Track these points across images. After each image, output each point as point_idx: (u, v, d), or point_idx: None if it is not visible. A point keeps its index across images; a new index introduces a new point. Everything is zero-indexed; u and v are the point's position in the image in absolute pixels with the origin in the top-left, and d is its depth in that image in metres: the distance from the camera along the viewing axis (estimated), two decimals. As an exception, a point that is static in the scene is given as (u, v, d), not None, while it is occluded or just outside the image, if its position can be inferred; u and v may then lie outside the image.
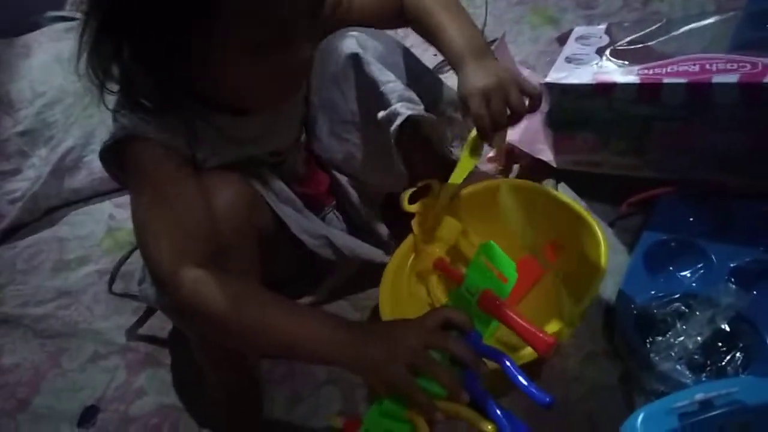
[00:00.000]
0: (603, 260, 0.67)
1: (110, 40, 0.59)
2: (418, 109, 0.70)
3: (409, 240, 0.77)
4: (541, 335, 0.54)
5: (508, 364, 0.52)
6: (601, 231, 0.70)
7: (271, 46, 0.59)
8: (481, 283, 0.59)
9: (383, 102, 0.70)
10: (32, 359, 0.91)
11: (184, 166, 0.64)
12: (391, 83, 0.71)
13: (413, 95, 0.72)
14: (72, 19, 1.41)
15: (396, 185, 0.77)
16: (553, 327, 0.64)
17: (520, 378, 0.51)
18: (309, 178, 0.80)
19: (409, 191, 0.73)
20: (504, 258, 0.59)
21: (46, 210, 1.13)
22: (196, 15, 0.56)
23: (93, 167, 1.12)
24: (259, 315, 0.57)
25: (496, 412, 0.50)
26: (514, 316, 0.56)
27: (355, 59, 0.71)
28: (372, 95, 0.71)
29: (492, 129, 0.66)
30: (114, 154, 0.65)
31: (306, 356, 0.61)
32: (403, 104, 0.70)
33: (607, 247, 0.68)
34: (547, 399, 0.49)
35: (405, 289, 0.76)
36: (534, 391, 0.50)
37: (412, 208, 0.73)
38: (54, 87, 1.17)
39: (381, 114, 0.70)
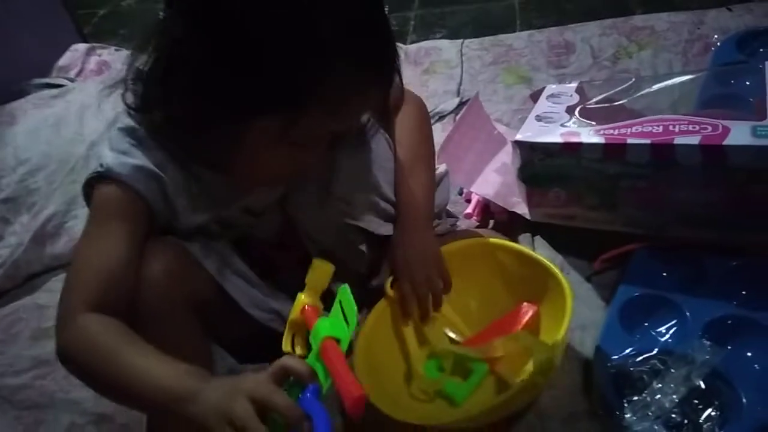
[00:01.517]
0: (568, 307, 0.69)
1: (160, 90, 0.61)
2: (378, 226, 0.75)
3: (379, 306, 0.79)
4: (351, 387, 0.53)
5: (326, 421, 0.52)
6: (565, 280, 0.72)
7: (318, 141, 0.63)
8: (327, 330, 0.57)
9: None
10: (8, 432, 0.89)
11: (142, 219, 0.66)
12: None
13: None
14: (57, 86, 1.44)
15: (360, 264, 0.79)
16: (523, 377, 0.66)
17: None
18: (282, 244, 0.79)
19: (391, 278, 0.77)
20: (351, 304, 0.58)
21: (27, 276, 1.13)
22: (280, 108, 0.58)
23: (74, 233, 1.12)
24: (113, 366, 0.59)
25: None
26: (339, 369, 0.54)
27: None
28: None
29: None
30: (91, 189, 0.68)
31: (153, 405, 0.61)
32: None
33: (572, 294, 0.70)
34: None
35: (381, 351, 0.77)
36: None
37: (392, 293, 0.76)
38: (37, 153, 1.19)
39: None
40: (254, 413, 0.52)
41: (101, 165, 0.66)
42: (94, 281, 0.63)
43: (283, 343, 0.65)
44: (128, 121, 0.67)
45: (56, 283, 1.11)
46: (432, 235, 0.79)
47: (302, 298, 0.64)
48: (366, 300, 0.79)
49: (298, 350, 0.64)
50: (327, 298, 0.66)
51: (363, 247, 0.78)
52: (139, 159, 0.66)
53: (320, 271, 0.63)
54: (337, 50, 0.56)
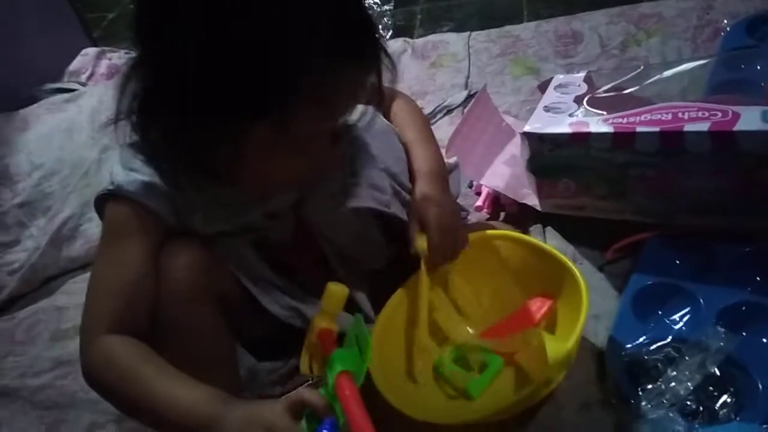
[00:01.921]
0: (584, 305, 0.69)
1: (155, 106, 0.61)
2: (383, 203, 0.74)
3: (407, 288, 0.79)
4: (363, 430, 0.52)
5: None
6: (582, 276, 0.72)
7: (317, 140, 0.63)
8: (342, 363, 0.58)
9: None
10: (30, 432, 0.91)
11: (155, 236, 0.67)
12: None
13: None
14: (69, 90, 1.45)
15: (377, 260, 0.80)
16: (540, 374, 0.66)
17: None
18: (297, 246, 0.79)
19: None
20: (365, 337, 0.58)
21: (44, 280, 1.15)
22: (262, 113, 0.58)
23: (89, 235, 1.14)
24: (138, 390, 0.61)
25: None
26: (354, 405, 0.54)
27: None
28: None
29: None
30: (102, 204, 0.69)
31: (173, 427, 0.61)
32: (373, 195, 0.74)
33: (588, 291, 0.70)
34: None
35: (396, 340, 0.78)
36: None
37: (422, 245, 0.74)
38: (51, 158, 1.20)
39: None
40: None
41: (112, 183, 0.67)
42: (113, 301, 0.65)
43: (301, 365, 0.66)
44: (119, 174, 0.68)
45: (73, 285, 1.13)
46: (449, 194, 0.79)
47: (317, 321, 0.64)
48: (383, 299, 0.80)
49: (316, 371, 0.65)
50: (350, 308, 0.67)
51: (380, 239, 0.78)
52: (148, 176, 0.67)
53: (334, 295, 0.63)
54: (313, 48, 0.56)
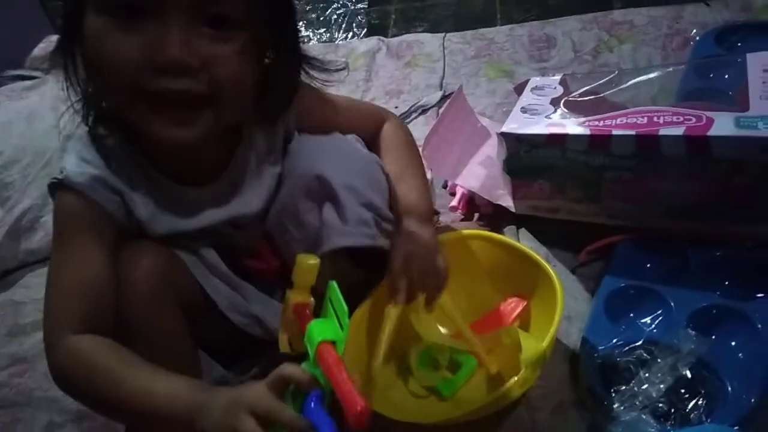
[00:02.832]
0: (559, 306, 0.69)
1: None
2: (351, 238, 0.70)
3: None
4: (352, 399, 0.50)
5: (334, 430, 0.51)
6: (557, 276, 0.72)
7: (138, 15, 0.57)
8: (322, 333, 0.55)
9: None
10: (-17, 431, 0.87)
11: (107, 227, 0.66)
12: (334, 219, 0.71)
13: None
14: (31, 77, 1.40)
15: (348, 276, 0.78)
16: (513, 374, 0.66)
17: None
18: (262, 252, 0.77)
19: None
20: (341, 305, 0.56)
21: (1, 273, 1.10)
22: None
23: (49, 228, 1.06)
24: (114, 388, 0.59)
25: None
26: (338, 375, 0.52)
27: (321, 180, 0.70)
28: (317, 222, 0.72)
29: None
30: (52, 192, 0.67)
31: (148, 418, 0.60)
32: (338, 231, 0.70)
33: (563, 291, 0.70)
34: None
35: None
36: None
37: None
38: (11, 146, 1.16)
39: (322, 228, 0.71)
40: (258, 429, 0.52)
41: (61, 171, 0.65)
42: (76, 300, 0.63)
43: (280, 343, 0.64)
44: (69, 162, 0.66)
45: (32, 279, 1.08)
46: (431, 232, 0.76)
47: (291, 296, 0.62)
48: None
49: (296, 347, 0.63)
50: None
51: (349, 270, 0.78)
52: (100, 170, 0.65)
53: (306, 267, 0.61)
54: None
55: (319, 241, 0.70)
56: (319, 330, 0.56)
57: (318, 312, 0.61)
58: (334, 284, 0.58)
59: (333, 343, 0.55)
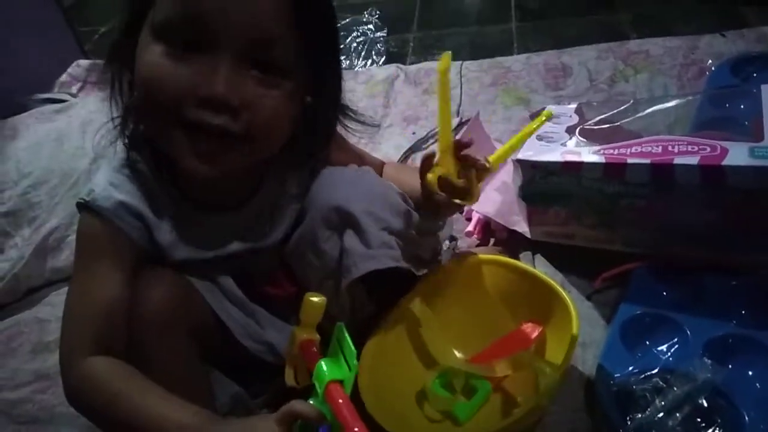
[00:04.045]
0: (573, 331, 0.69)
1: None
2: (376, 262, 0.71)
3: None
4: None
5: None
6: (571, 301, 0.73)
7: (192, 47, 0.60)
8: (330, 373, 0.58)
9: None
10: (6, 447, 0.88)
11: (128, 252, 0.67)
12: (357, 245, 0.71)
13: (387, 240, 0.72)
14: (60, 101, 1.45)
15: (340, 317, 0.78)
16: (529, 400, 0.66)
17: None
18: (278, 279, 0.79)
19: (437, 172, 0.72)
20: (349, 346, 0.58)
21: (27, 290, 1.12)
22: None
23: (76, 247, 1.12)
24: (128, 414, 0.60)
25: None
26: (347, 414, 0.54)
27: (339, 210, 0.72)
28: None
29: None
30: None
31: None
32: (363, 256, 0.70)
33: (578, 317, 0.71)
34: None
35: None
36: None
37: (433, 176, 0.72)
38: (40, 167, 1.19)
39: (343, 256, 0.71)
40: None
41: (89, 192, 0.67)
42: (92, 322, 0.64)
43: (286, 377, 0.65)
44: (97, 183, 0.69)
45: (57, 297, 1.11)
46: None
47: (297, 333, 0.63)
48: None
49: (301, 382, 0.65)
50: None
51: (366, 302, 0.78)
52: (126, 195, 0.67)
53: (312, 305, 0.62)
54: None
55: (340, 269, 0.72)
56: (328, 369, 0.58)
57: (324, 349, 0.62)
58: (342, 325, 0.59)
59: (341, 382, 0.57)
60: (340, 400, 0.55)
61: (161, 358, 0.66)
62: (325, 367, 0.58)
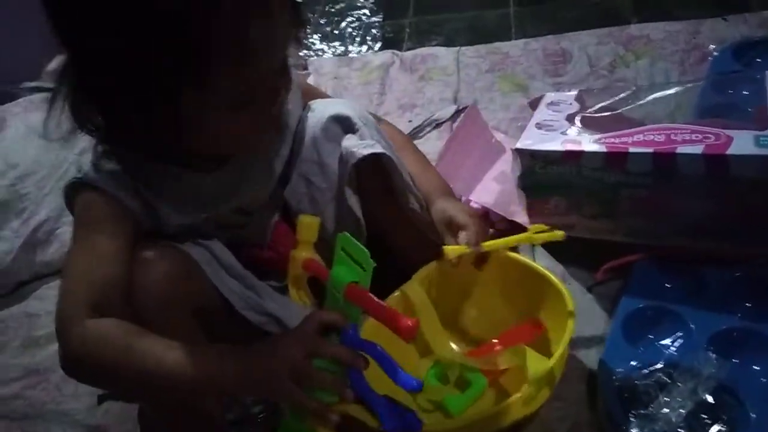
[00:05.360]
0: (569, 325, 0.69)
1: (91, 101, 0.62)
2: (377, 147, 0.73)
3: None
4: (402, 320, 0.56)
5: (379, 349, 0.59)
6: (568, 294, 0.72)
7: (251, 101, 0.62)
8: (345, 277, 0.59)
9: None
10: (-5, 444, 0.87)
11: (125, 223, 0.67)
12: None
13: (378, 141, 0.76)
14: (48, 89, 1.41)
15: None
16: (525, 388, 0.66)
17: (389, 364, 0.59)
18: (275, 246, 0.79)
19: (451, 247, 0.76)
20: (359, 248, 0.59)
21: (16, 284, 1.11)
22: (182, 83, 0.58)
23: (65, 239, 1.10)
24: (144, 366, 0.59)
25: (380, 406, 0.59)
26: (377, 304, 0.57)
27: (338, 118, 0.76)
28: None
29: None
30: (71, 194, 0.69)
31: (190, 386, 0.61)
32: (362, 145, 0.74)
33: (575, 309, 0.71)
34: (414, 383, 0.60)
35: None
36: (401, 376, 0.59)
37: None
38: (28, 158, 1.17)
39: (342, 151, 0.74)
40: (312, 366, 0.56)
41: (80, 170, 0.68)
42: (92, 286, 0.63)
43: (291, 296, 0.69)
44: (87, 166, 0.68)
45: (47, 291, 1.09)
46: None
47: (298, 254, 0.67)
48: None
49: (307, 301, 0.69)
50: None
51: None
52: (114, 165, 0.67)
53: (308, 225, 0.67)
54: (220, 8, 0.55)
55: (341, 177, 0.75)
56: (345, 273, 0.59)
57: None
58: (345, 234, 0.60)
59: (357, 283, 0.59)
60: (365, 295, 0.57)
61: (162, 335, 0.64)
62: (340, 273, 0.59)
